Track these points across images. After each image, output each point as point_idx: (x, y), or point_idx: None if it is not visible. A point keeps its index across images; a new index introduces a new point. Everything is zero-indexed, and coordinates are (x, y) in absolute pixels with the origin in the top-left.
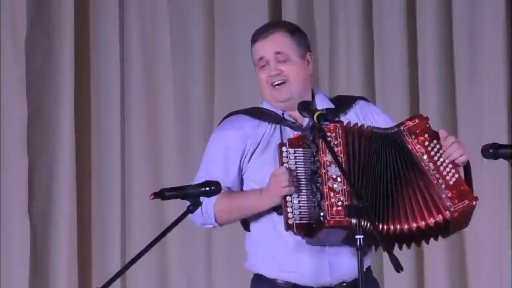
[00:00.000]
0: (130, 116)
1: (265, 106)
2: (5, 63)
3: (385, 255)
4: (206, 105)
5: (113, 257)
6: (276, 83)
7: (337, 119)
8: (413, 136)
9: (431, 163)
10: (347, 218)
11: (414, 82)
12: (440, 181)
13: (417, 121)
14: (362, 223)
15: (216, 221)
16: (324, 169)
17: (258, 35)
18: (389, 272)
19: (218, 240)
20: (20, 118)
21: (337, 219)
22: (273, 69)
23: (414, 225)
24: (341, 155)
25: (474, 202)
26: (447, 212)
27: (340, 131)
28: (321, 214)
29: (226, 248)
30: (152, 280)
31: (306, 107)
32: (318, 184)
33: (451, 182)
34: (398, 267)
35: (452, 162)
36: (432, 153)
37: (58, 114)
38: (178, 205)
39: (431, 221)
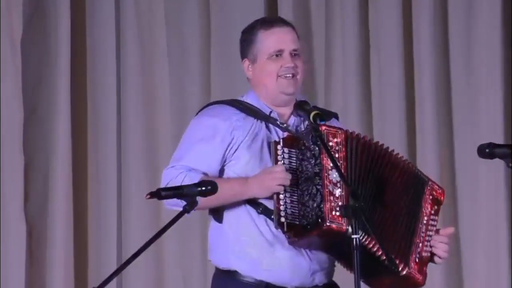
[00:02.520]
0: (126, 116)
1: (249, 100)
2: (1, 63)
3: None
4: (202, 105)
5: (109, 257)
6: (289, 75)
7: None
8: (430, 196)
9: (424, 226)
10: (344, 224)
11: (410, 82)
12: (420, 244)
13: (440, 191)
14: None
15: None
16: (326, 172)
17: (273, 24)
18: None
19: None
20: (16, 118)
21: (335, 224)
22: (290, 61)
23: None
24: (341, 161)
25: (422, 283)
26: (406, 269)
27: (342, 136)
28: (321, 216)
29: None
30: (148, 280)
31: (302, 107)
32: (319, 186)
33: (423, 254)
34: (394, 267)
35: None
36: (430, 222)
37: (54, 114)
38: None
39: (397, 263)
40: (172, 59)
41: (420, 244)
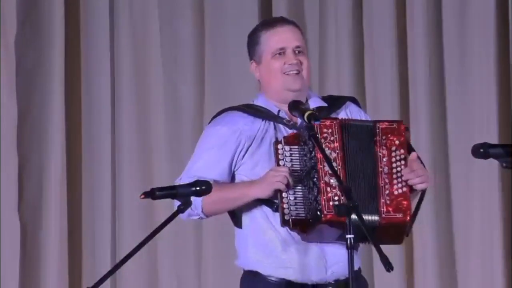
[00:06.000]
0: (120, 116)
1: (259, 102)
2: None
3: (376, 255)
4: (196, 105)
5: (104, 256)
6: (294, 72)
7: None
8: (383, 137)
9: (386, 167)
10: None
11: (404, 82)
12: (386, 186)
13: (394, 125)
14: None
15: (202, 211)
16: (321, 164)
17: (275, 24)
18: (379, 273)
19: (208, 239)
20: (11, 118)
21: (332, 214)
22: (293, 58)
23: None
24: (337, 151)
25: (406, 219)
26: (377, 217)
27: (336, 127)
28: (318, 208)
29: (216, 247)
30: (142, 280)
31: (296, 106)
32: (315, 179)
33: (395, 192)
34: (388, 266)
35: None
36: (393, 159)
37: (48, 114)
38: (169, 205)
39: (367, 217)
40: (166, 58)
41: (387, 186)
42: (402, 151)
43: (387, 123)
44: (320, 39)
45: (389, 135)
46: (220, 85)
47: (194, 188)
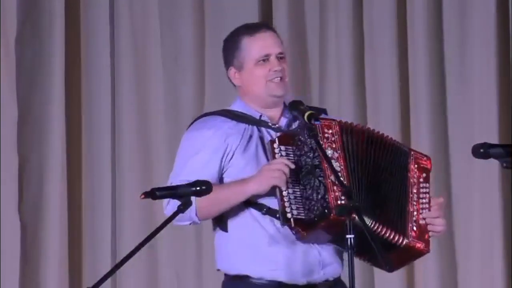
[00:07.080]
0: (120, 116)
1: (237, 107)
2: None
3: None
4: (196, 106)
5: (104, 256)
6: (277, 78)
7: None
8: (415, 165)
9: (416, 195)
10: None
11: (405, 82)
12: (414, 213)
13: (425, 158)
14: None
15: (196, 215)
16: (326, 163)
17: (257, 30)
18: (380, 273)
19: (208, 239)
20: (11, 118)
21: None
22: (277, 64)
23: (388, 235)
24: (339, 151)
25: (425, 251)
26: (405, 240)
27: (337, 127)
28: (326, 206)
29: None
30: (143, 279)
31: (296, 106)
32: (321, 178)
33: (421, 222)
34: (389, 266)
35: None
36: (421, 190)
37: (48, 113)
38: None
39: (393, 236)
40: (166, 59)
41: (415, 213)
42: (427, 185)
43: (419, 154)
44: (320, 39)
45: (420, 165)
46: (220, 85)
47: (194, 188)
